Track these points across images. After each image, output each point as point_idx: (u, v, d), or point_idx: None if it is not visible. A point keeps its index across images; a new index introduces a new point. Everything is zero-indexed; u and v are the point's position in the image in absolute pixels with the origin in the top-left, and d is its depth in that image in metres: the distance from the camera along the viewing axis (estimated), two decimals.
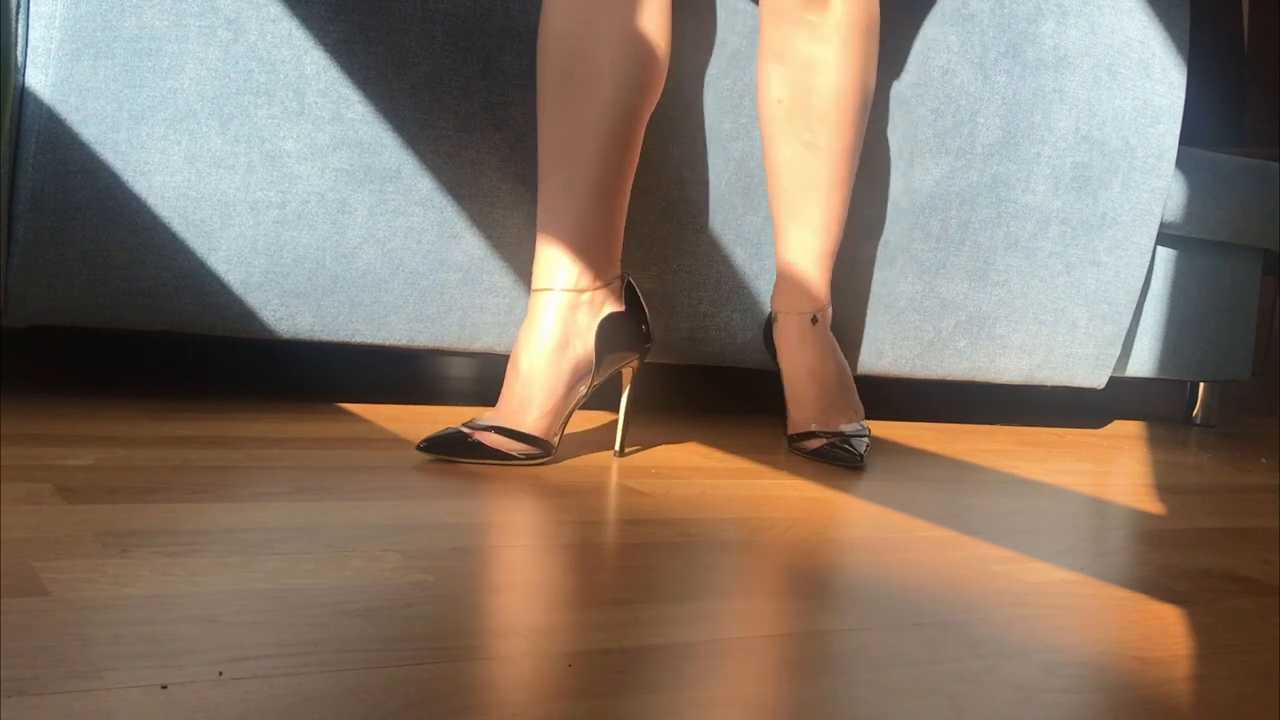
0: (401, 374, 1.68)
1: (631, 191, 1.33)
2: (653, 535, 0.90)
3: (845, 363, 1.34)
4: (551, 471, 1.09)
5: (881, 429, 1.58)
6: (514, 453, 1.10)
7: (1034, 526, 1.08)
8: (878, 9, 1.28)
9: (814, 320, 1.30)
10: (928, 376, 1.60)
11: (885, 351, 1.55)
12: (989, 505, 1.16)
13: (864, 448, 1.28)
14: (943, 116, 1.51)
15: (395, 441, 1.14)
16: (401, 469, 1.03)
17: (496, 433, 1.09)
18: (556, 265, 1.14)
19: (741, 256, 1.42)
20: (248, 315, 1.19)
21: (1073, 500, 1.24)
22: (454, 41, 1.23)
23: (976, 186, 1.55)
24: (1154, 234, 1.72)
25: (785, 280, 1.31)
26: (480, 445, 1.09)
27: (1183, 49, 1.68)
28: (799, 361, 1.31)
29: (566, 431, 1.15)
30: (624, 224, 1.18)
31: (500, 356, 1.33)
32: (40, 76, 1.08)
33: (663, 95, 1.33)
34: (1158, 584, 0.92)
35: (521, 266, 1.30)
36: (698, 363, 1.43)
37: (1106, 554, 1.01)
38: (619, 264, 1.17)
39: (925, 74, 1.49)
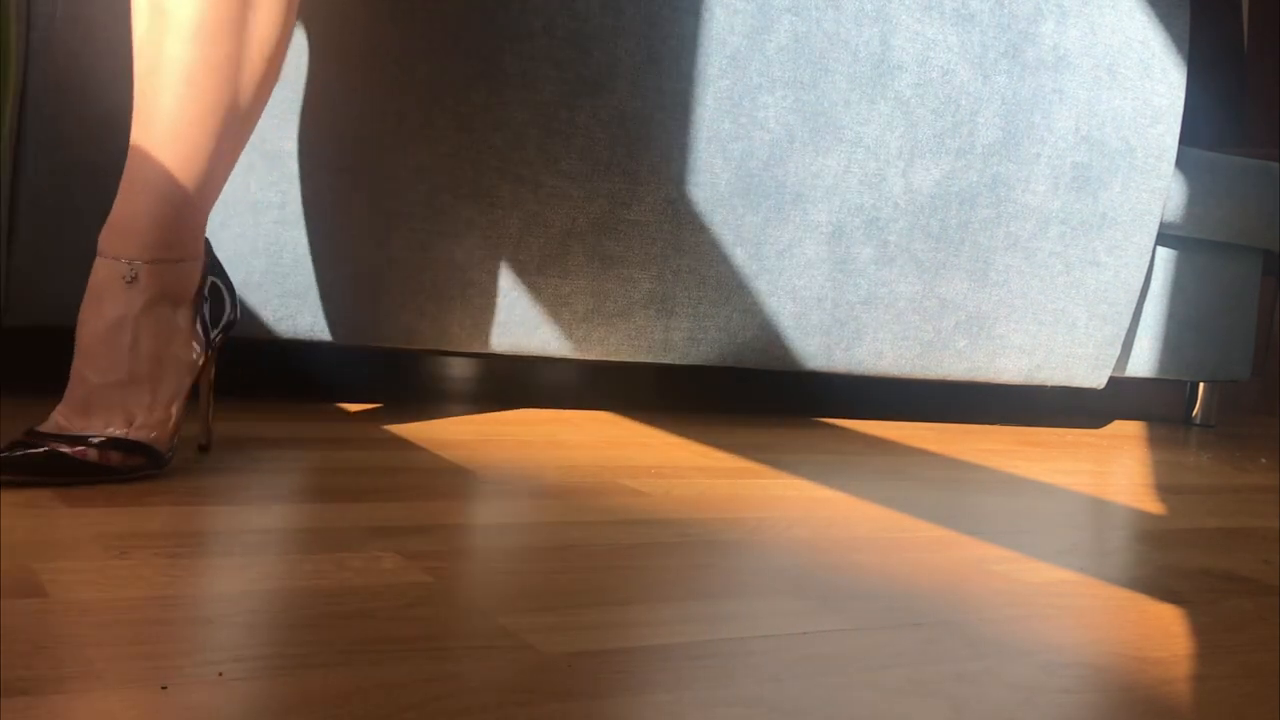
0: (401, 374, 1.68)
1: (631, 191, 1.33)
2: (652, 535, 0.90)
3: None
4: (551, 472, 1.09)
5: (882, 429, 1.58)
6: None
7: (1034, 526, 1.08)
8: None
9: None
10: (928, 376, 1.60)
11: (885, 351, 1.55)
12: (989, 505, 1.16)
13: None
14: (943, 116, 1.51)
15: (395, 442, 1.14)
16: (402, 469, 1.03)
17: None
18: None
19: (741, 256, 1.42)
20: (248, 315, 1.19)
21: (1073, 500, 1.24)
22: (454, 41, 1.23)
23: (976, 186, 1.55)
24: (1154, 234, 1.72)
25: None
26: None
27: (1183, 49, 1.68)
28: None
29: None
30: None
31: (500, 357, 1.33)
32: (40, 76, 1.08)
33: (663, 95, 1.33)
34: (1158, 584, 0.92)
35: (522, 266, 1.30)
36: (698, 363, 1.43)
37: (1106, 554, 1.01)
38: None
39: (925, 74, 1.49)
